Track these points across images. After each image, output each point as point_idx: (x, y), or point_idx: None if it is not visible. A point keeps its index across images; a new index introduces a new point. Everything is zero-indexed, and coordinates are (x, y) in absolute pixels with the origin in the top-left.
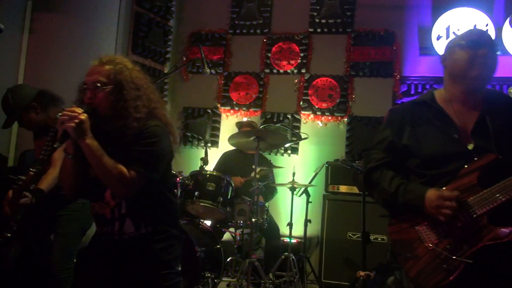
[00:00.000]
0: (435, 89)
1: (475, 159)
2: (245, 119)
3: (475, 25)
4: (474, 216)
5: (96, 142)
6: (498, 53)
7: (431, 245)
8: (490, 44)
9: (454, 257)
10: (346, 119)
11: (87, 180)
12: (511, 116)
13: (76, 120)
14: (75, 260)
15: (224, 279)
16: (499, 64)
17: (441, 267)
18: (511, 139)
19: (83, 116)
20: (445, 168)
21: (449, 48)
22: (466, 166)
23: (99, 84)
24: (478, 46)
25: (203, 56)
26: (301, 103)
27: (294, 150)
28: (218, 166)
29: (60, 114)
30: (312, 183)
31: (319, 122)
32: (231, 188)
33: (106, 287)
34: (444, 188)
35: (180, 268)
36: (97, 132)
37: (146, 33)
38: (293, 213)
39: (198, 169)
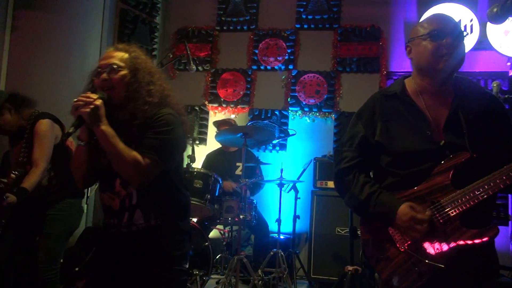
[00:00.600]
0: (406, 77)
1: (450, 157)
2: (233, 116)
3: (459, 20)
4: (447, 218)
5: (111, 128)
6: (465, 34)
7: (402, 247)
8: (454, 32)
9: (426, 261)
10: (333, 115)
11: (98, 170)
12: (483, 108)
13: (91, 106)
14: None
15: (213, 276)
16: (484, 59)
17: (412, 270)
18: (484, 135)
19: (98, 102)
20: (417, 166)
21: (412, 39)
22: (440, 164)
23: (115, 66)
24: (441, 36)
25: (188, 53)
26: (288, 99)
27: (283, 147)
28: (203, 167)
29: (75, 100)
30: (300, 179)
31: (307, 118)
32: (218, 185)
33: (115, 280)
34: (416, 188)
35: (187, 266)
36: (111, 121)
37: (132, 30)
38: (282, 209)
39: (185, 166)
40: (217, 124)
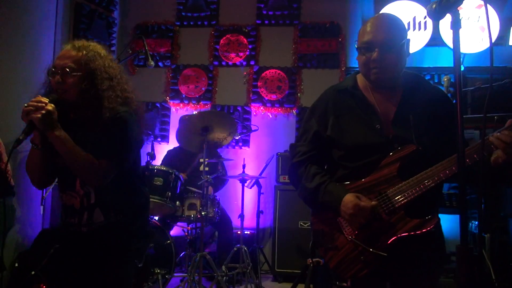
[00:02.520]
0: (358, 73)
1: (397, 149)
2: (195, 113)
3: (414, 17)
4: (392, 208)
5: (65, 133)
6: (406, 39)
7: (350, 237)
8: (383, 43)
9: (370, 249)
10: (295, 111)
11: (56, 170)
12: (431, 103)
13: (43, 111)
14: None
15: (177, 274)
16: (436, 55)
17: (358, 258)
18: (430, 129)
19: (50, 107)
20: (366, 159)
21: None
22: (387, 156)
23: (68, 69)
24: (370, 49)
25: (146, 48)
26: (250, 95)
27: (245, 142)
28: (164, 164)
29: (25, 104)
30: (263, 175)
31: (269, 113)
32: (179, 182)
33: (75, 278)
34: (363, 180)
35: (140, 265)
36: (65, 120)
37: (88, 25)
38: (245, 204)
39: (144, 164)
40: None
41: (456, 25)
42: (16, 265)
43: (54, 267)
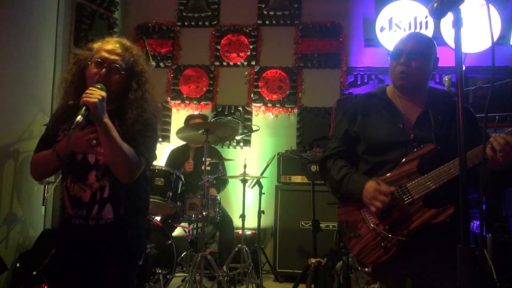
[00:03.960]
0: (388, 85)
1: (419, 147)
2: (196, 113)
3: (415, 17)
4: (411, 199)
5: (111, 122)
6: (434, 55)
7: (372, 225)
8: (412, 50)
9: (390, 235)
10: (296, 110)
11: (71, 162)
12: (450, 113)
13: (99, 97)
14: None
15: (178, 274)
16: (438, 54)
17: (379, 245)
18: (448, 133)
19: (104, 93)
20: (388, 155)
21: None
22: (408, 154)
23: (118, 66)
24: (399, 55)
25: (147, 49)
26: (251, 95)
27: (247, 142)
28: (168, 163)
29: (87, 91)
30: (264, 175)
31: (270, 113)
32: (181, 182)
33: (78, 272)
34: (387, 175)
35: (140, 263)
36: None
37: (89, 25)
38: (246, 205)
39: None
40: (190, 117)
41: (457, 24)
42: (18, 265)
43: (57, 262)
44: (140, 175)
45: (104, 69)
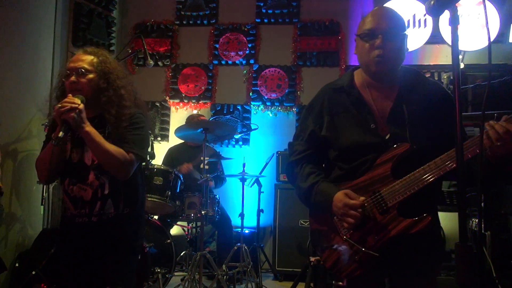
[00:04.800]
0: (355, 69)
1: (391, 148)
2: (195, 112)
3: (414, 15)
4: (385, 208)
5: (93, 128)
6: (406, 30)
7: (345, 236)
8: (387, 30)
9: (363, 249)
10: (295, 109)
11: (68, 165)
12: (428, 100)
13: (76, 111)
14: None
15: (178, 273)
16: (437, 52)
17: (353, 258)
18: (427, 127)
19: (81, 106)
20: (362, 159)
21: (356, 35)
22: (381, 155)
23: (83, 70)
24: (373, 36)
25: (145, 47)
26: (250, 94)
27: (246, 141)
28: (165, 161)
29: (59, 105)
30: (263, 173)
31: (269, 112)
32: (179, 181)
33: (78, 269)
34: (360, 179)
35: (139, 257)
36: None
37: (87, 24)
38: (246, 203)
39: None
40: (192, 118)
41: (454, 22)
42: (17, 265)
43: (57, 260)
44: (137, 172)
45: (71, 77)
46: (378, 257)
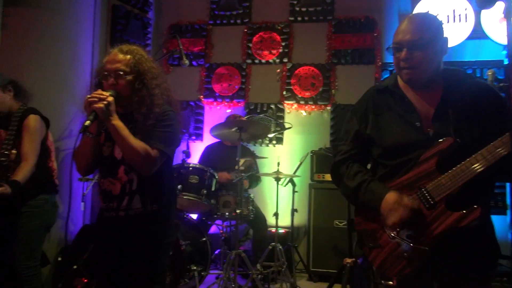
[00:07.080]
0: None
1: (436, 142)
2: (228, 111)
3: (454, 10)
4: (432, 202)
5: (121, 122)
6: (442, 36)
7: (392, 234)
8: (409, 42)
9: (412, 245)
10: (329, 108)
11: (101, 158)
12: (472, 98)
13: (105, 102)
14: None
15: (212, 271)
16: (479, 48)
17: (402, 255)
18: (472, 124)
19: (110, 98)
20: (406, 156)
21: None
22: (425, 152)
23: (121, 73)
24: (399, 49)
25: (181, 47)
26: (284, 92)
27: (279, 140)
28: (201, 160)
29: (88, 96)
30: (297, 173)
31: (302, 111)
32: (214, 180)
33: (110, 263)
34: (404, 177)
35: (171, 253)
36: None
37: (124, 26)
38: (280, 203)
39: (180, 162)
40: (229, 118)
41: (509, 13)
42: (59, 259)
43: (95, 255)
44: (162, 168)
45: (110, 79)
46: (427, 253)
